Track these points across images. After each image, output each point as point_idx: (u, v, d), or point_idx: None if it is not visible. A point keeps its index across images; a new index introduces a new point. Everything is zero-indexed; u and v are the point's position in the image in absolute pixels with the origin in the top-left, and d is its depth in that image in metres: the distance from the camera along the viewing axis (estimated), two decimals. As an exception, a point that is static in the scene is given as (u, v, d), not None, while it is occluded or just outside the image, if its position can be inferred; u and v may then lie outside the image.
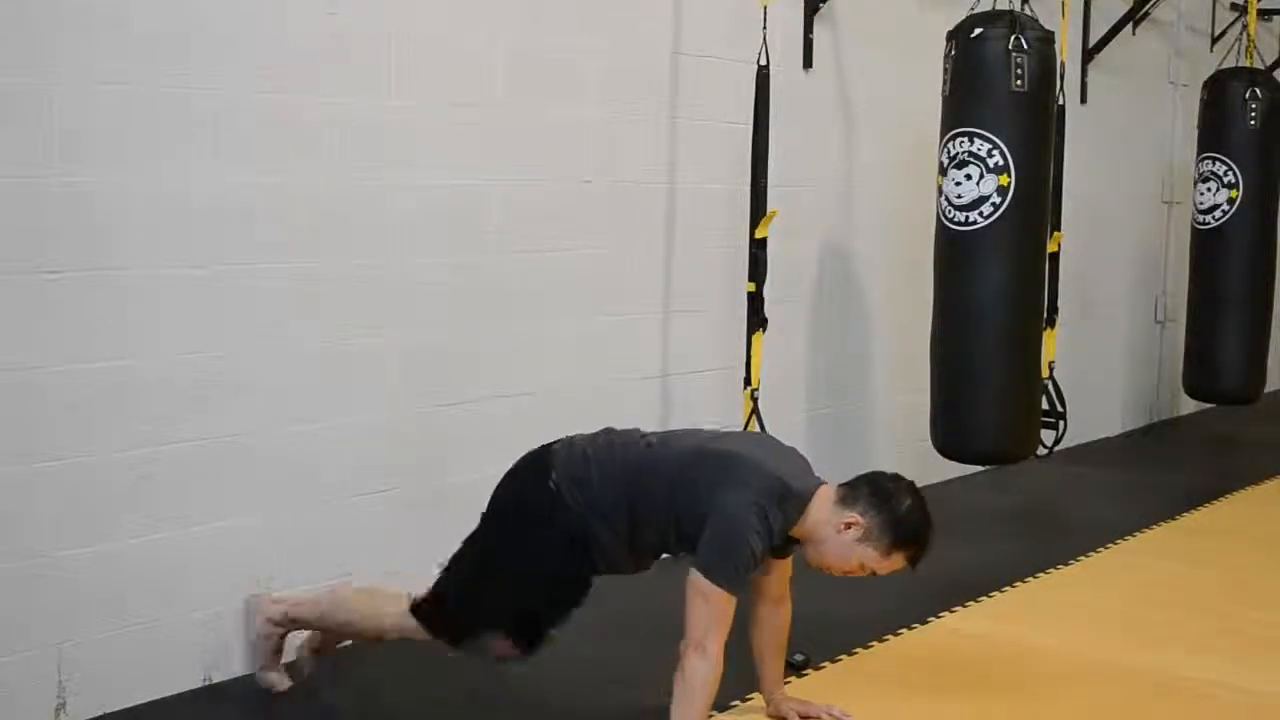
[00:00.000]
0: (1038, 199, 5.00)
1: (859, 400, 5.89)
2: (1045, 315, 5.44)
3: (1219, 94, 6.94)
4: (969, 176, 4.88)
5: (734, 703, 3.49)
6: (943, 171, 4.98)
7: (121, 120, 3.32)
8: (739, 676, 3.38)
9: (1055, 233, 5.66)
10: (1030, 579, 4.77)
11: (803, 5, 5.40)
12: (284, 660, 3.60)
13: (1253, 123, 6.83)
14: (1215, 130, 6.96)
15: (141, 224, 3.37)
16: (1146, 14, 7.40)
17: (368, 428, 3.93)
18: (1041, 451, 5.53)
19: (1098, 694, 3.75)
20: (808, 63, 5.43)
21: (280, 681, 3.56)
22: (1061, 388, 5.97)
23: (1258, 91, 6.84)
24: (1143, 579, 4.89)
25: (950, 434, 5.12)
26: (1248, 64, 7.02)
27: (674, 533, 3.15)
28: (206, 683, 3.60)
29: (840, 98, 5.64)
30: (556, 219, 4.47)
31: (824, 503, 3.18)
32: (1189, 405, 8.17)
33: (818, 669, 3.80)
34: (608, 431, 3.34)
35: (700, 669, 3.05)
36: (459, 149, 4.14)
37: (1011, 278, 4.96)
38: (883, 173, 5.83)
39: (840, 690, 3.60)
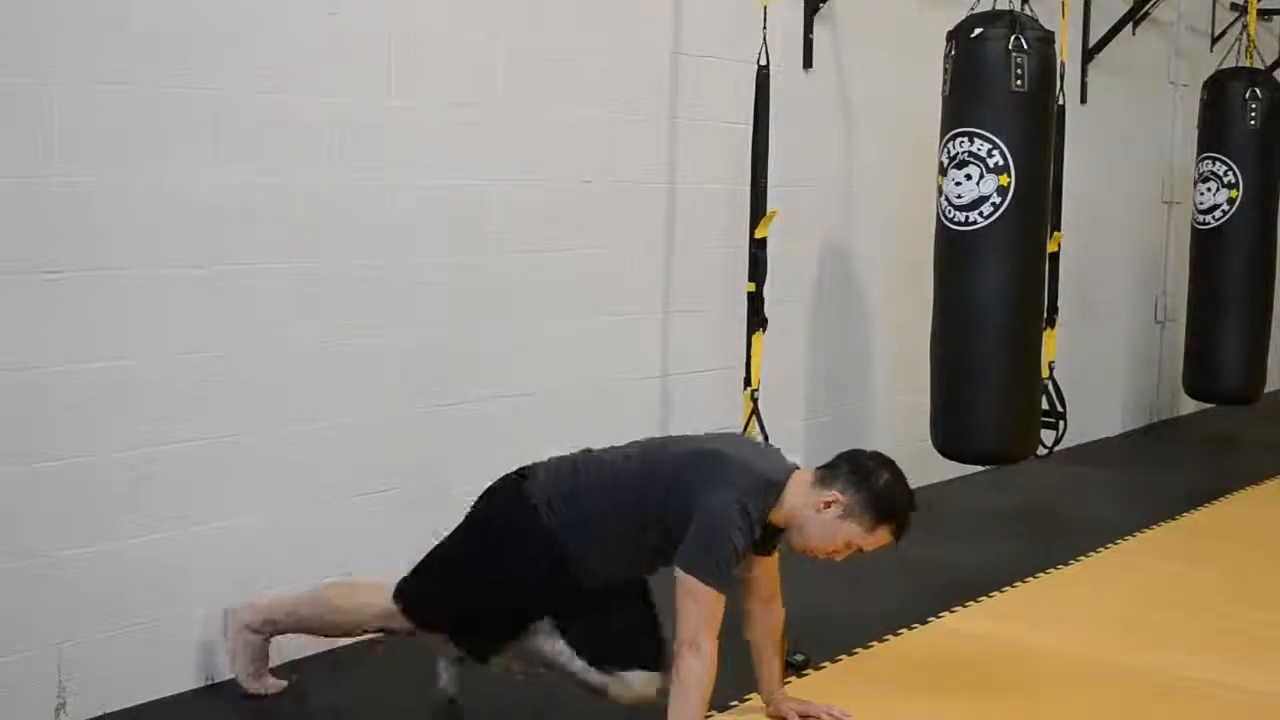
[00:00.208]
0: (1038, 199, 5.00)
1: (859, 400, 5.89)
2: (1045, 315, 5.44)
3: (1219, 94, 6.94)
4: (969, 176, 4.88)
5: (733, 703, 3.49)
6: (943, 171, 4.98)
7: (121, 120, 3.32)
8: (738, 677, 3.38)
9: (1055, 233, 5.66)
10: (1030, 579, 4.77)
11: (803, 5, 5.40)
12: (270, 665, 3.60)
13: (1253, 123, 6.84)
14: (1215, 130, 6.96)
15: (141, 224, 3.37)
16: (1146, 14, 7.40)
17: (368, 428, 3.93)
18: (1041, 451, 5.52)
19: (1098, 694, 3.75)
20: (808, 63, 5.43)
21: (273, 685, 3.57)
22: (1061, 388, 5.96)
23: (1258, 91, 6.84)
24: (1143, 579, 4.89)
25: (950, 434, 5.12)
26: (1248, 64, 7.02)
27: (665, 535, 3.14)
28: (206, 683, 3.60)
29: (840, 98, 5.64)
30: (556, 219, 4.47)
31: (800, 485, 3.17)
32: (1189, 405, 8.17)
33: (818, 669, 3.80)
34: (583, 452, 3.34)
35: (694, 667, 3.05)
36: (459, 149, 4.14)
37: (1011, 278, 4.96)
38: (883, 173, 5.83)
39: (840, 690, 3.60)
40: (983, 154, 4.86)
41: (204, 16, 3.46)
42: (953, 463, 5.34)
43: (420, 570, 3.40)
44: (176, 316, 3.46)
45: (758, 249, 4.80)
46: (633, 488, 3.19)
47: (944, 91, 5.03)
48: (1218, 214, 6.94)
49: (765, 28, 4.73)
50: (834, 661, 3.87)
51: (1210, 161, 6.95)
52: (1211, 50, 8.01)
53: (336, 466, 3.86)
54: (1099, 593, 4.70)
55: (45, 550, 3.26)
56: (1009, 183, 4.84)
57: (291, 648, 3.69)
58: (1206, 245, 7.03)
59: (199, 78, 3.46)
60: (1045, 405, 5.65)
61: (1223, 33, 8.00)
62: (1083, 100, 7.07)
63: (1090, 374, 7.21)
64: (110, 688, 3.39)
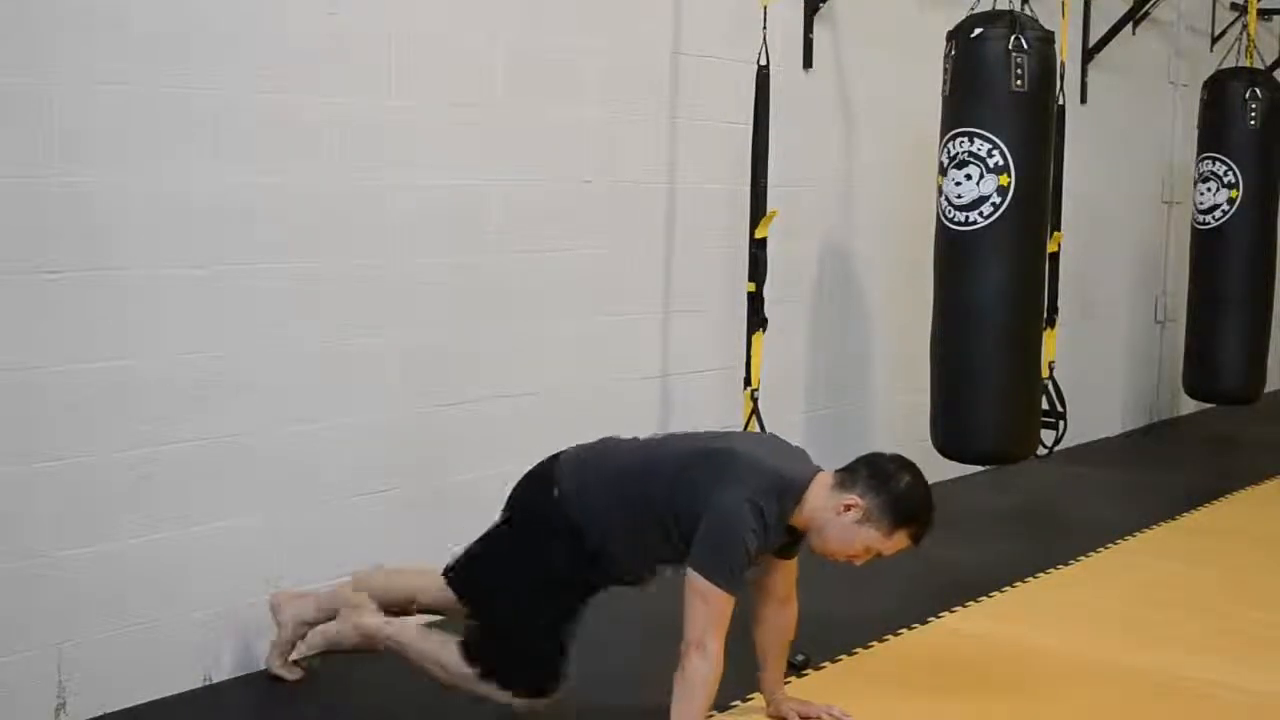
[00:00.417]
0: (1038, 199, 5.00)
1: (859, 400, 5.89)
2: (1045, 315, 5.45)
3: (1219, 94, 6.95)
4: (969, 176, 4.88)
5: (734, 703, 3.49)
6: (943, 171, 4.98)
7: (121, 120, 3.32)
8: (739, 676, 3.38)
9: (1055, 233, 5.67)
10: (1030, 579, 4.77)
11: (803, 5, 5.40)
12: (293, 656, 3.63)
13: (1253, 123, 6.84)
14: (1215, 130, 6.96)
15: (141, 224, 3.37)
16: (1146, 14, 7.40)
17: (368, 428, 3.93)
18: (1041, 451, 5.53)
19: (1098, 694, 3.75)
20: (808, 63, 5.43)
21: (292, 672, 3.61)
22: (1061, 388, 5.97)
23: (1258, 91, 6.84)
24: (1143, 579, 4.89)
25: (950, 434, 5.12)
26: (1248, 64, 7.03)
27: (676, 533, 3.15)
28: (206, 683, 3.60)
29: (840, 98, 5.64)
30: (556, 219, 4.47)
31: (821, 489, 3.16)
32: (1189, 405, 8.17)
33: (818, 669, 3.80)
34: (604, 440, 3.36)
35: (700, 668, 3.05)
36: (459, 149, 4.14)
37: (1011, 278, 4.97)
38: (883, 173, 5.83)
39: (840, 690, 3.60)
40: (983, 154, 4.86)
41: (204, 16, 3.46)
42: (953, 463, 5.34)
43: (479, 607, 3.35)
44: (176, 316, 3.46)
45: (758, 249, 4.80)
46: (635, 483, 3.20)
47: (944, 91, 5.03)
48: (1218, 214, 6.95)
49: (765, 28, 4.73)
50: (834, 661, 3.87)
51: (1210, 161, 6.96)
52: (1211, 50, 8.01)
53: (336, 466, 3.86)
54: (1099, 593, 4.70)
55: (45, 550, 3.26)
56: (1009, 183, 4.85)
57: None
58: (1206, 245, 7.03)
59: (199, 78, 3.46)
60: (1045, 405, 5.66)
61: (1223, 33, 8.00)
62: (1083, 100, 7.07)
63: (1090, 374, 7.21)
64: (110, 688, 3.39)
